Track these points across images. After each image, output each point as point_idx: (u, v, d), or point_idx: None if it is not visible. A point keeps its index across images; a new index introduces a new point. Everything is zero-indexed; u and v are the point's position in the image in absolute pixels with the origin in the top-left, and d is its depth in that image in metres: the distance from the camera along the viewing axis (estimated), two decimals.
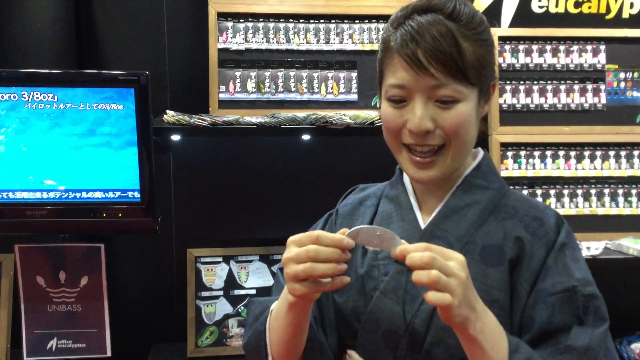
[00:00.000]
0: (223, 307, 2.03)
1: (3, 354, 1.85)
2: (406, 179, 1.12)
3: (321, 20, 1.98)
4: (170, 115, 1.77)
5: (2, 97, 1.60)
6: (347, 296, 1.06)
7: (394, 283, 1.01)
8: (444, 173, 1.01)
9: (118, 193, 1.67)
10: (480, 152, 1.11)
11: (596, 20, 2.10)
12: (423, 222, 1.06)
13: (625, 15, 2.10)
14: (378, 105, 1.07)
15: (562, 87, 2.07)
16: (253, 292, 2.04)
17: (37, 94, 1.61)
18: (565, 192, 2.05)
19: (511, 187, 1.12)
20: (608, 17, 2.10)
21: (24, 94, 1.60)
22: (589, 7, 2.09)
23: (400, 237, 0.91)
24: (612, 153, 2.07)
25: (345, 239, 0.87)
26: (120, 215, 1.66)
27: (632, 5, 2.09)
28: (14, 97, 1.60)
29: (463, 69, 0.94)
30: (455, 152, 0.99)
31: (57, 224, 1.67)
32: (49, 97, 1.61)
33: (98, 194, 1.66)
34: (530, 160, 2.05)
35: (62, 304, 1.75)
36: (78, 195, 1.66)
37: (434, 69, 0.93)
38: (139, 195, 1.67)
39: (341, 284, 0.90)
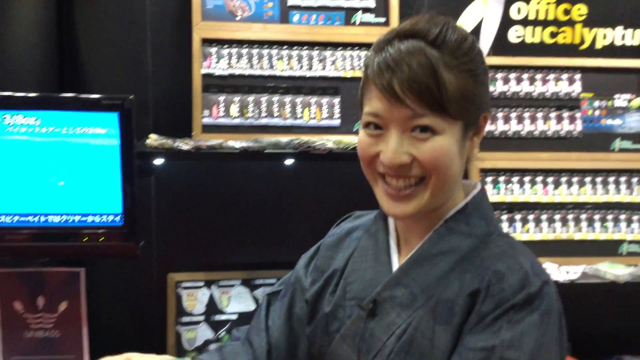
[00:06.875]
0: (204, 332, 2.01)
1: None
2: None
3: (304, 47, 2.01)
4: (153, 139, 1.78)
5: None
6: (314, 333, 1.04)
7: (354, 328, 0.97)
8: (421, 209, 0.92)
9: (99, 217, 1.65)
10: (475, 189, 1.00)
11: (571, 50, 2.16)
12: (398, 263, 0.99)
13: (598, 46, 2.17)
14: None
15: (539, 115, 2.12)
16: (234, 317, 2.02)
17: (19, 117, 1.60)
18: (543, 217, 2.09)
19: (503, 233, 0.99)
20: (582, 47, 2.16)
21: (6, 117, 1.59)
22: (564, 38, 2.16)
23: (371, 278, 0.92)
24: (588, 179, 2.11)
25: None
26: (101, 239, 1.65)
27: (604, 37, 2.16)
28: None
29: (441, 102, 0.87)
30: (435, 187, 0.91)
31: (37, 249, 1.65)
32: (31, 120, 1.60)
33: (79, 218, 1.65)
34: (509, 185, 2.09)
35: (40, 329, 1.72)
36: (58, 219, 1.64)
37: (409, 100, 0.86)
38: (120, 220, 1.66)
39: None
